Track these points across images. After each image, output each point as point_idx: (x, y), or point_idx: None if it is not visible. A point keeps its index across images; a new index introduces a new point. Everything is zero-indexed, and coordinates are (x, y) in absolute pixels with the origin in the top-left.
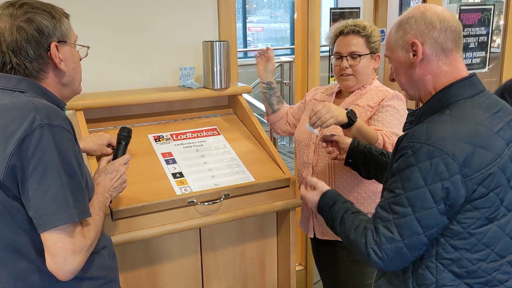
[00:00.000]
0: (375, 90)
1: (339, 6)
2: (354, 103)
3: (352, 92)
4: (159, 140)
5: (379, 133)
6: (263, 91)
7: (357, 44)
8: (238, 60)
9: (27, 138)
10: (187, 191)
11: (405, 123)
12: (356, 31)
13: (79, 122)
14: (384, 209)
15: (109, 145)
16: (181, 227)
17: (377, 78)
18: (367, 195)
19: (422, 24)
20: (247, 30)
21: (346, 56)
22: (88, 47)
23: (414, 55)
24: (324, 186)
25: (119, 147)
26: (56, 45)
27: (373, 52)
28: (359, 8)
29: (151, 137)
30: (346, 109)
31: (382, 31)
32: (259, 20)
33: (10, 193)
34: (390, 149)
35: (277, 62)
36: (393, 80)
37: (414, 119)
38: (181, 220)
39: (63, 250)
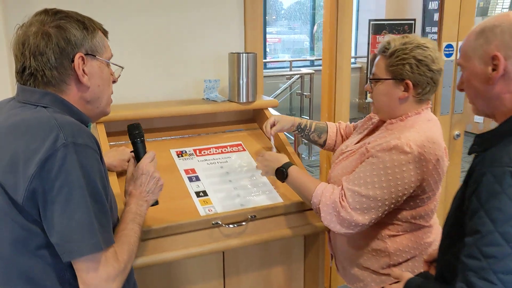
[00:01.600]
0: (399, 129)
1: (389, 17)
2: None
3: (390, 123)
4: (182, 156)
5: (322, 189)
6: (298, 135)
7: (379, 65)
8: None
9: (50, 158)
10: (211, 211)
11: (472, 145)
12: (382, 50)
13: (99, 135)
14: (474, 257)
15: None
16: (205, 250)
17: (421, 113)
18: (368, 250)
19: (508, 36)
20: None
21: (369, 80)
22: (122, 68)
23: (493, 69)
24: (403, 276)
25: (137, 147)
26: (82, 57)
27: (396, 78)
28: (413, 20)
29: (173, 152)
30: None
31: (449, 45)
32: (278, 31)
33: (29, 218)
34: (324, 212)
35: (297, 74)
36: (461, 90)
37: (483, 141)
38: (205, 243)
39: (96, 280)
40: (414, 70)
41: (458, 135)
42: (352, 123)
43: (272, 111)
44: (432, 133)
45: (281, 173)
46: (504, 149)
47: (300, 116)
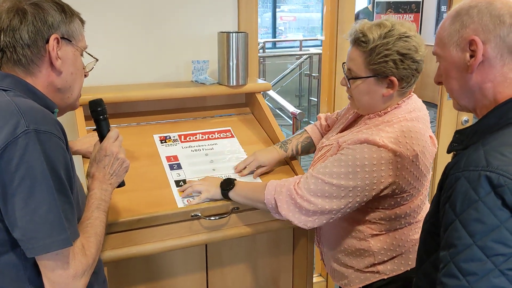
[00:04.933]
0: (376, 124)
1: None
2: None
3: (368, 118)
4: (165, 142)
5: (274, 184)
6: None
7: (355, 61)
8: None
9: (9, 147)
10: (190, 202)
11: (452, 142)
12: (357, 41)
13: (77, 119)
14: (452, 275)
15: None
16: (183, 243)
17: (401, 105)
18: (352, 250)
19: (487, 17)
20: (278, 19)
21: (345, 74)
22: (97, 60)
23: (471, 56)
24: None
25: (101, 126)
26: (57, 38)
27: (377, 75)
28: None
29: (156, 137)
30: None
31: None
32: (291, 9)
33: None
34: (281, 201)
35: (305, 54)
36: (439, 83)
37: (464, 138)
38: (183, 236)
39: (62, 277)
40: (399, 65)
41: (466, 121)
42: (336, 111)
43: (271, 93)
44: (410, 127)
45: (228, 182)
46: (481, 149)
47: (308, 98)
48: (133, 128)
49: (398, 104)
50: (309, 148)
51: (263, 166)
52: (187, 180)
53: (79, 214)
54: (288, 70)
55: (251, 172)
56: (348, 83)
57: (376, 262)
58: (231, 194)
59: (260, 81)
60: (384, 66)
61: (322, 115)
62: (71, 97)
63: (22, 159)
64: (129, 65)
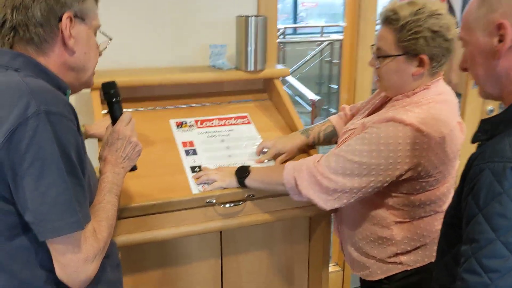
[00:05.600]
0: (403, 105)
1: None
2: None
3: (395, 100)
4: (181, 127)
5: (292, 165)
6: None
7: (385, 39)
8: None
9: (19, 128)
10: (205, 189)
11: (476, 132)
12: (388, 20)
13: (94, 103)
14: (473, 271)
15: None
16: (198, 229)
17: (430, 86)
18: (374, 238)
19: None
20: (299, 5)
21: (374, 54)
22: (110, 39)
23: (500, 40)
24: None
25: (113, 108)
26: (70, 17)
27: (408, 53)
28: None
29: (173, 122)
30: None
31: None
32: None
33: None
34: (301, 179)
35: (326, 41)
36: (465, 69)
37: (490, 128)
38: (198, 222)
39: (73, 261)
40: (430, 43)
41: (492, 110)
42: (360, 102)
43: (290, 79)
44: (438, 109)
45: (243, 169)
46: (506, 139)
47: (328, 85)
48: (149, 112)
49: (427, 86)
50: (331, 137)
51: (283, 154)
52: (202, 166)
53: (91, 198)
54: (308, 57)
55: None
56: (377, 62)
57: (398, 251)
58: (248, 181)
59: (279, 66)
60: (415, 43)
61: (346, 106)
62: (84, 76)
63: (32, 141)
64: (145, 49)
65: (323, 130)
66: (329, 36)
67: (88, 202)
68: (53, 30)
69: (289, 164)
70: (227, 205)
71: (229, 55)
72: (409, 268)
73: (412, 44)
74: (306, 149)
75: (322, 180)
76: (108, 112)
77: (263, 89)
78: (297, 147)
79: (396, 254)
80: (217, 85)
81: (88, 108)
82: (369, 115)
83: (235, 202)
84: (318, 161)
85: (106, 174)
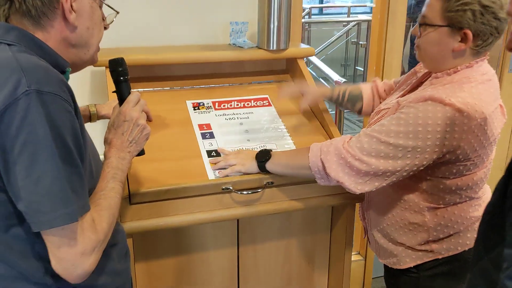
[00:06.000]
0: (443, 83)
1: None
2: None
3: (435, 77)
4: (198, 108)
5: (318, 146)
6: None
7: (432, 7)
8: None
9: (9, 109)
10: (223, 173)
11: None
12: None
13: (108, 81)
14: None
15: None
16: (213, 216)
17: (473, 65)
18: (404, 224)
19: None
20: None
21: (418, 22)
22: (118, 13)
23: None
24: None
25: (121, 88)
26: None
27: (452, 25)
28: None
29: (189, 103)
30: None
31: None
32: None
33: None
34: (329, 162)
35: (353, 21)
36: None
37: None
38: (213, 209)
39: (69, 254)
40: (477, 18)
41: None
42: (393, 79)
43: (314, 59)
44: (480, 89)
45: (264, 153)
46: None
47: (354, 67)
48: (166, 92)
49: (470, 64)
50: (355, 101)
51: (306, 96)
52: (219, 149)
53: (93, 184)
54: (334, 38)
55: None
56: (420, 30)
57: (430, 239)
58: (269, 165)
59: (303, 46)
60: (462, 15)
61: (378, 79)
62: (87, 53)
63: (23, 123)
64: (163, 26)
65: (349, 90)
66: (356, 17)
67: (88, 189)
68: (53, 3)
69: (315, 145)
70: (244, 192)
71: (251, 33)
72: (440, 257)
73: (459, 16)
74: (327, 128)
75: (353, 162)
76: (115, 91)
77: (285, 70)
78: (319, 94)
79: (427, 242)
80: (237, 64)
81: (102, 86)
82: (404, 95)
83: (253, 189)
84: (347, 141)
85: (111, 159)
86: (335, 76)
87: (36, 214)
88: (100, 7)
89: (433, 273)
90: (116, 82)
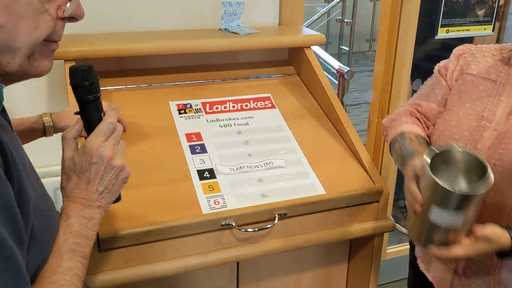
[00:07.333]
0: None
1: None
2: None
3: None
4: (185, 112)
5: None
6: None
7: None
8: None
9: None
10: (218, 204)
11: None
12: None
13: (68, 81)
14: None
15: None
16: (209, 261)
17: None
18: None
19: None
20: None
21: None
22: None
23: None
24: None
25: (87, 111)
26: None
27: None
28: None
29: (173, 106)
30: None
31: None
32: None
33: None
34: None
35: None
36: None
37: None
38: (209, 251)
39: None
40: None
41: None
42: (417, 101)
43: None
44: None
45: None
46: None
47: (339, 46)
48: (143, 91)
49: None
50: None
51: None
52: (214, 169)
53: (43, 260)
54: (317, 15)
55: None
56: None
57: None
58: None
59: (308, 31)
60: None
61: (403, 108)
62: (13, 62)
63: None
64: (138, 7)
65: (422, 136)
66: None
67: (20, 259)
68: None
69: None
70: (250, 230)
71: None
72: None
73: None
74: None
75: None
76: (78, 113)
77: (288, 61)
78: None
79: None
80: (231, 54)
81: (61, 88)
82: None
83: (262, 223)
84: None
85: (71, 220)
86: (336, 64)
87: None
88: None
89: None
90: (81, 102)
